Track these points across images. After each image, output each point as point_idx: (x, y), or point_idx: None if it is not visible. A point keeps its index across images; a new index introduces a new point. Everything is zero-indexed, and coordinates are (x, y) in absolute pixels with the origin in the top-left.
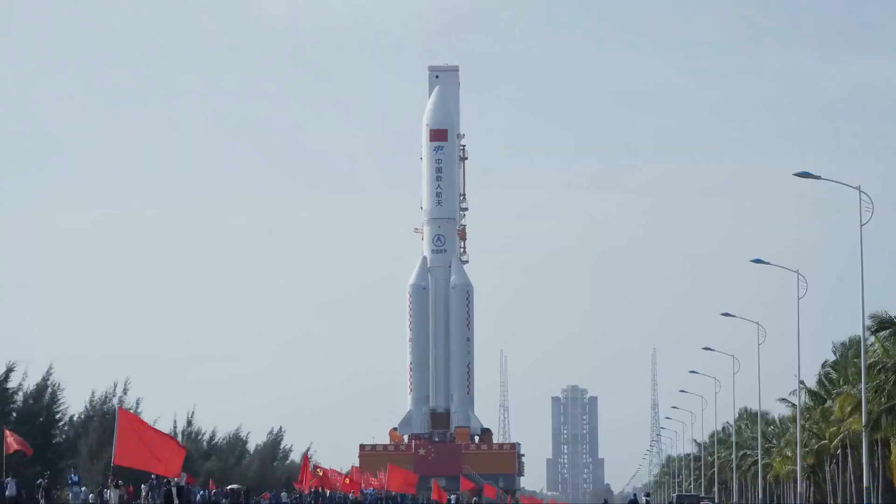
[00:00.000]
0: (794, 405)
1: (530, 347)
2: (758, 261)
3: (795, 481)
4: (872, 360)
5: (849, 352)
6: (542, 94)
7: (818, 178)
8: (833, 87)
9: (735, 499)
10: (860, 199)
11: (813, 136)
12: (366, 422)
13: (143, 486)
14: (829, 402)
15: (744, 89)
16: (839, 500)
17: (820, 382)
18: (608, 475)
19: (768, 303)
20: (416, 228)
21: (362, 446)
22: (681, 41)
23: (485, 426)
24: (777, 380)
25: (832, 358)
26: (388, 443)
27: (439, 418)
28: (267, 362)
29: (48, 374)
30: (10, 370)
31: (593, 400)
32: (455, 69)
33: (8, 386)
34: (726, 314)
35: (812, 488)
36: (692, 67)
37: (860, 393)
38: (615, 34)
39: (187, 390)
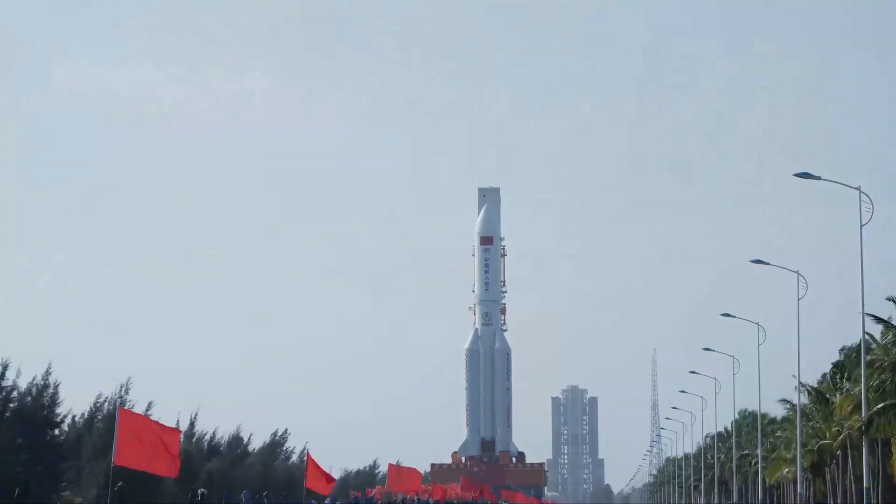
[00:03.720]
0: (793, 405)
1: (530, 347)
2: (758, 261)
3: (795, 482)
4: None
5: (850, 353)
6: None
7: (818, 178)
8: (833, 87)
9: (735, 499)
10: (860, 199)
11: (813, 136)
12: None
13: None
14: (829, 402)
15: (743, 89)
16: (839, 501)
17: (820, 383)
18: (608, 475)
19: (768, 303)
20: (470, 307)
21: (433, 464)
22: (679, 44)
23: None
24: (777, 380)
25: (836, 359)
26: (450, 462)
27: (487, 444)
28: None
29: (47, 373)
30: (5, 367)
31: (593, 400)
32: (497, 190)
33: (3, 384)
34: (726, 314)
35: (812, 489)
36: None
37: (860, 392)
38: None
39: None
